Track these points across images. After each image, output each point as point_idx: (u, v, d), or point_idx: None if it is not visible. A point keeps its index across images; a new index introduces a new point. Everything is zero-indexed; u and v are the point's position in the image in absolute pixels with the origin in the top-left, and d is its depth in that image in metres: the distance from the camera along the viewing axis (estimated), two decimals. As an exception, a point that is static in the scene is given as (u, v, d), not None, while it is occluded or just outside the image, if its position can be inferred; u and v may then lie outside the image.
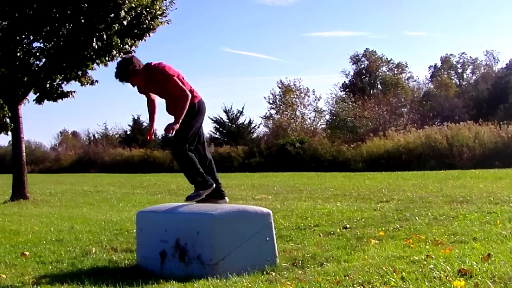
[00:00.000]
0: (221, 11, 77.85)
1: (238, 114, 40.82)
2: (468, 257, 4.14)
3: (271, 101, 44.66)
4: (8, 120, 14.75)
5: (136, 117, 45.64)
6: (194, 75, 75.93)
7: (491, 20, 73.31)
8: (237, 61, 77.01)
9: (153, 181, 20.69)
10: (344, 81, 52.57)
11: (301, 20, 76.90)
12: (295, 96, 44.13)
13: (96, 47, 12.88)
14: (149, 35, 13.81)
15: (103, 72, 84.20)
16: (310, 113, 43.53)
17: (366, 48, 52.97)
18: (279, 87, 44.92)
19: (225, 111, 40.83)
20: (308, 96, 44.18)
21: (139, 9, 13.22)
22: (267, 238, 4.88)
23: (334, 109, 39.31)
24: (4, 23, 12.93)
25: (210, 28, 75.50)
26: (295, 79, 45.25)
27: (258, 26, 75.95)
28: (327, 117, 41.36)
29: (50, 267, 5.34)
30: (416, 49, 73.98)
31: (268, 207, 5.62)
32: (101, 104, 77.42)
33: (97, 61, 13.69)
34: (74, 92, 14.71)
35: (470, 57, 55.89)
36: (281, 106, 43.53)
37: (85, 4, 12.34)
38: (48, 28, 13.05)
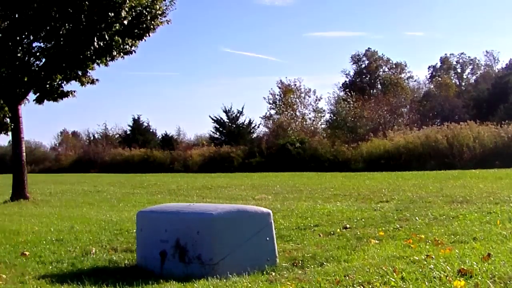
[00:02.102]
0: (220, 11, 77.96)
1: (238, 114, 40.83)
2: (468, 257, 4.14)
3: (270, 101, 44.74)
4: (8, 120, 14.74)
5: (136, 117, 45.66)
6: (195, 75, 76.16)
7: (491, 20, 73.33)
8: (237, 61, 77.12)
9: (153, 181, 20.68)
10: (345, 81, 52.63)
11: (300, 20, 76.94)
12: (295, 96, 44.17)
13: (97, 46, 12.87)
14: (149, 35, 13.82)
15: (103, 72, 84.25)
16: (310, 113, 43.60)
17: (368, 48, 53.05)
18: (278, 87, 45.00)
19: (225, 111, 40.85)
20: (309, 96, 44.26)
21: (139, 8, 13.21)
22: (267, 238, 4.88)
23: (334, 109, 39.32)
24: (4, 23, 12.92)
25: (210, 28, 75.67)
26: (295, 79, 45.26)
27: (258, 26, 76.09)
28: (327, 116, 41.42)
29: (50, 267, 5.33)
30: (416, 49, 74.06)
31: (268, 207, 5.62)
32: (101, 104, 77.45)
33: (97, 61, 13.69)
34: (74, 92, 14.72)
35: (469, 57, 55.92)
36: (281, 106, 43.56)
37: (86, 3, 12.31)
38: (48, 28, 13.04)
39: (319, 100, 44.18)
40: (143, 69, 78.13)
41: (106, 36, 12.80)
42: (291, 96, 43.97)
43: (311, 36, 75.93)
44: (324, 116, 42.75)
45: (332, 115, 38.69)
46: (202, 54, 75.82)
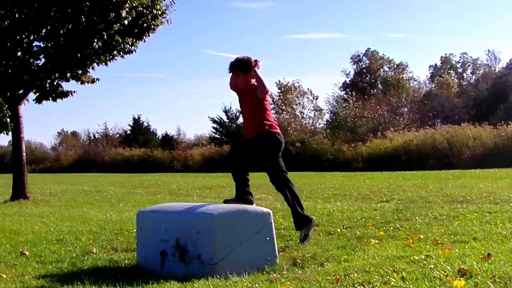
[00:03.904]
0: (220, 14, 78.36)
1: (238, 114, 40.84)
2: (468, 257, 4.15)
3: (270, 102, 44.83)
4: (8, 120, 14.73)
5: (136, 117, 45.69)
6: (196, 76, 76.38)
7: (493, 20, 73.36)
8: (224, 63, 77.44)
9: (153, 181, 20.68)
10: (345, 81, 52.64)
11: (300, 21, 77.04)
12: (294, 96, 44.35)
13: (97, 46, 12.86)
14: (149, 35, 13.81)
15: (103, 72, 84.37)
16: (309, 112, 43.75)
17: (368, 48, 53.05)
18: (278, 88, 45.14)
19: (225, 111, 40.89)
20: (308, 97, 44.47)
21: (139, 8, 13.20)
22: (267, 238, 4.88)
23: (334, 108, 39.36)
24: (4, 23, 12.92)
25: (210, 32, 76.26)
26: (293, 80, 45.58)
27: (237, 29, 76.96)
28: (327, 116, 41.51)
29: (50, 267, 5.33)
30: (417, 49, 74.11)
31: (268, 207, 5.62)
32: (101, 104, 77.57)
33: (96, 60, 13.68)
34: (74, 91, 14.72)
35: (471, 57, 55.85)
36: (282, 106, 43.67)
37: (87, 3, 12.31)
38: (48, 27, 13.03)
39: (317, 98, 44.41)
40: (143, 69, 78.27)
41: (106, 36, 12.78)
42: (290, 95, 44.21)
43: (311, 38, 76.20)
44: (323, 115, 42.97)
45: (332, 115, 38.76)
46: (201, 56, 76.38)
